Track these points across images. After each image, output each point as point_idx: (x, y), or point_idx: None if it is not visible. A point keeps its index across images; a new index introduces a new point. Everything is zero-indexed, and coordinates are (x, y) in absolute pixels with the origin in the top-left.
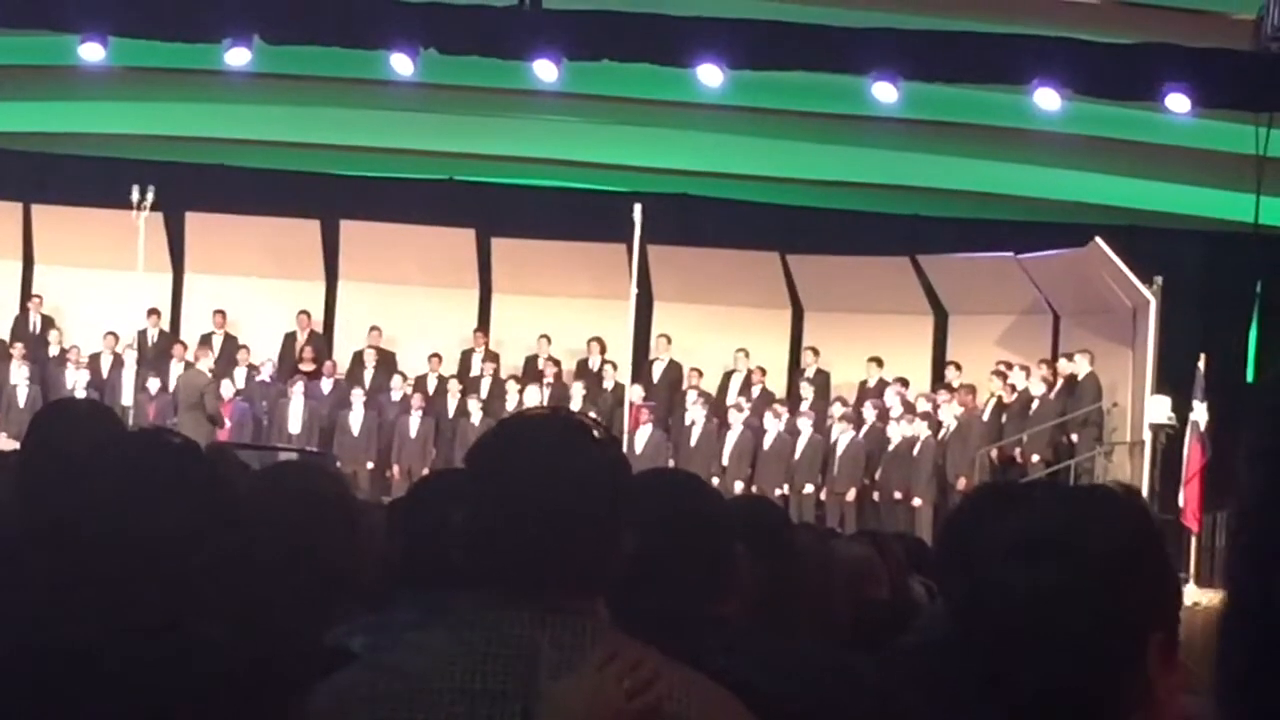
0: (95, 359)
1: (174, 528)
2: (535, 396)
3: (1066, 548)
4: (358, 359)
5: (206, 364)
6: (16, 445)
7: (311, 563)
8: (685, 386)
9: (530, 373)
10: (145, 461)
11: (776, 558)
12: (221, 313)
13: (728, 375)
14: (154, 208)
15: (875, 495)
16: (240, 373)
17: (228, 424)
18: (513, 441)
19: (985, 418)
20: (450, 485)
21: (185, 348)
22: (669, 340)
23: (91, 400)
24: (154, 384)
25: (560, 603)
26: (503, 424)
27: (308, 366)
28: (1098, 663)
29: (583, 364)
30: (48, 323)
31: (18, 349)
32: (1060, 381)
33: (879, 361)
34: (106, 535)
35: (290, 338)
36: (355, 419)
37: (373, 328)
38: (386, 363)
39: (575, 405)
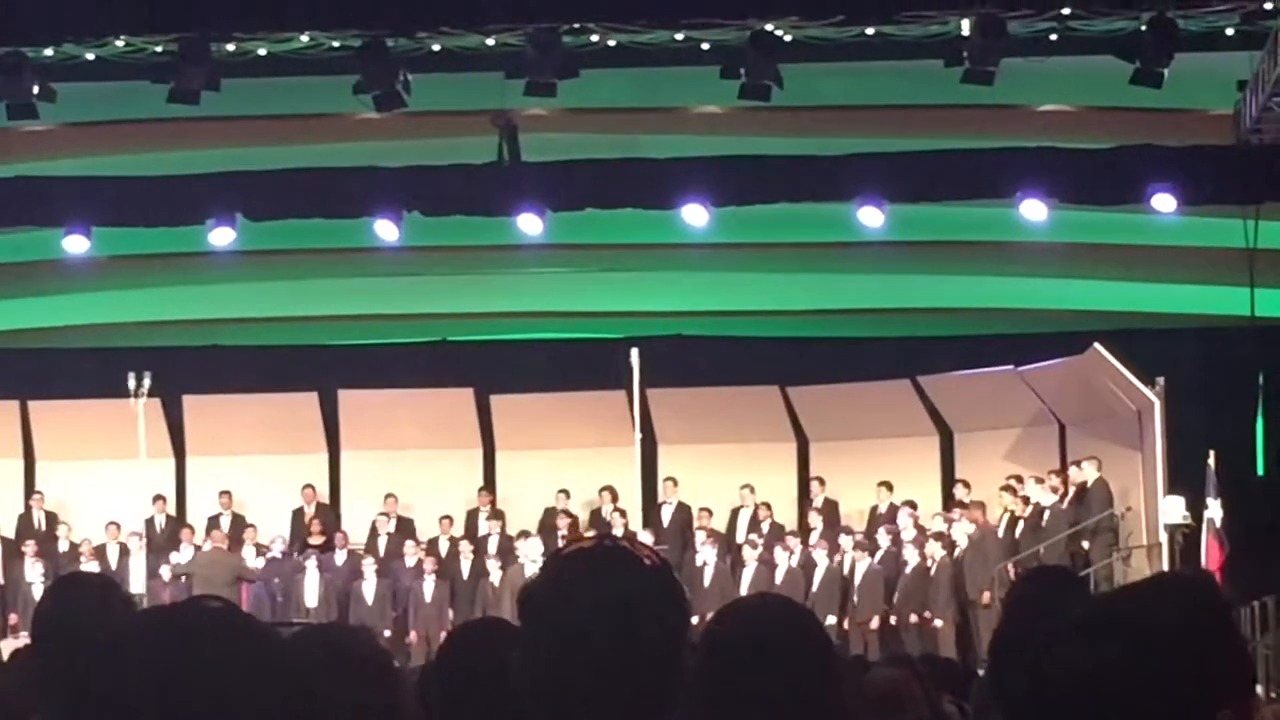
0: (102, 549)
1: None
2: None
3: (1131, 626)
4: (373, 528)
5: (220, 546)
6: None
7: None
8: (695, 527)
9: (547, 527)
10: (195, 627)
11: (823, 684)
12: (227, 493)
13: (735, 512)
14: (151, 394)
15: (892, 620)
16: (249, 551)
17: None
18: (561, 575)
19: (1000, 533)
20: (479, 636)
21: (193, 531)
22: (675, 483)
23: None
24: (165, 571)
25: None
26: (550, 560)
27: (317, 540)
28: None
29: (596, 514)
30: (52, 518)
31: (29, 546)
32: (1071, 490)
33: (889, 486)
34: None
35: (299, 513)
36: (369, 588)
37: (388, 495)
38: (404, 529)
39: None
